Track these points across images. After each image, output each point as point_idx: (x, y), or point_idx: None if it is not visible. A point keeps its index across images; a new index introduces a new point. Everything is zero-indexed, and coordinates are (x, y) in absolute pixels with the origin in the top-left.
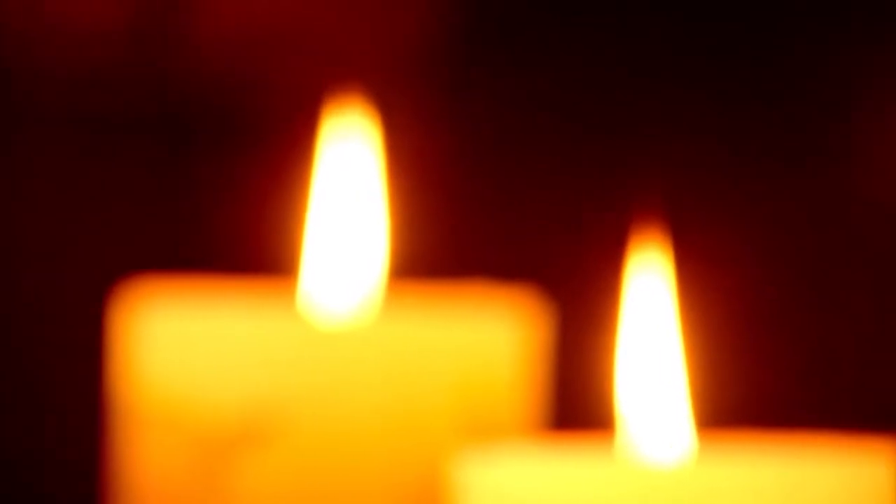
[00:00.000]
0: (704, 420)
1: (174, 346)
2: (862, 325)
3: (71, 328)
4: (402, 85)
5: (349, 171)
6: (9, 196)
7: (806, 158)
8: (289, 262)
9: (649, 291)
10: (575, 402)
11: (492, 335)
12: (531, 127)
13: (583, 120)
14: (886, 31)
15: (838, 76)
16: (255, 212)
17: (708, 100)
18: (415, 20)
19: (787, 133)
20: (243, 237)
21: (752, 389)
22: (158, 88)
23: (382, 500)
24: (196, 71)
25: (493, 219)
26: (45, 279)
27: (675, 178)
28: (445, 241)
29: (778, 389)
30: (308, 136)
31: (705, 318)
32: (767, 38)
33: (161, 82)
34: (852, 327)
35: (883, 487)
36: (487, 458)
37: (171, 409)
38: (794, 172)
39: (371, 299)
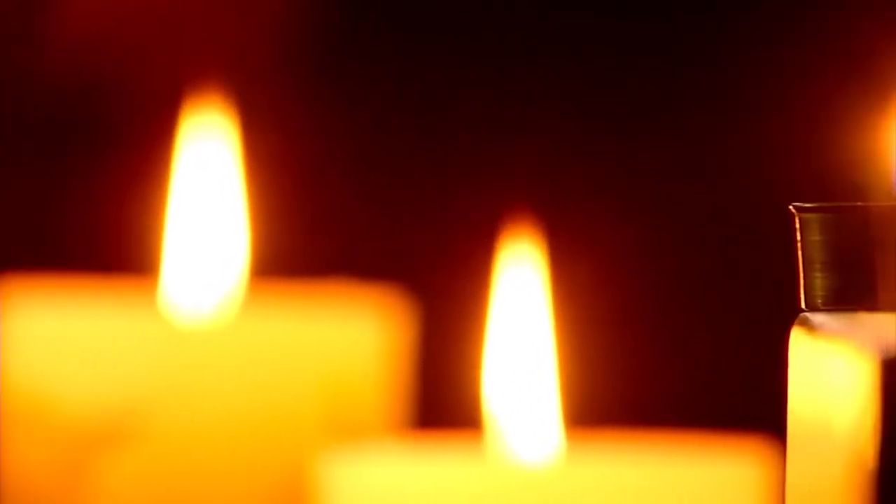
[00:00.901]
0: (574, 419)
1: (37, 344)
2: (733, 324)
3: None
4: (262, 83)
5: (208, 170)
6: None
7: (677, 154)
8: (150, 262)
9: (519, 289)
10: (442, 400)
11: (356, 334)
12: (395, 125)
13: (449, 117)
14: (762, 31)
15: (709, 72)
16: (115, 211)
17: (576, 95)
18: (275, 19)
19: (657, 128)
20: (104, 237)
21: (622, 388)
22: (17, 88)
23: (247, 499)
24: (53, 70)
25: (357, 217)
26: None
27: (545, 175)
28: (308, 240)
29: (648, 389)
30: (168, 135)
31: (575, 316)
32: (636, 33)
33: (19, 82)
34: (723, 326)
35: (750, 486)
36: (353, 457)
37: (34, 407)
38: (664, 168)
39: (232, 298)
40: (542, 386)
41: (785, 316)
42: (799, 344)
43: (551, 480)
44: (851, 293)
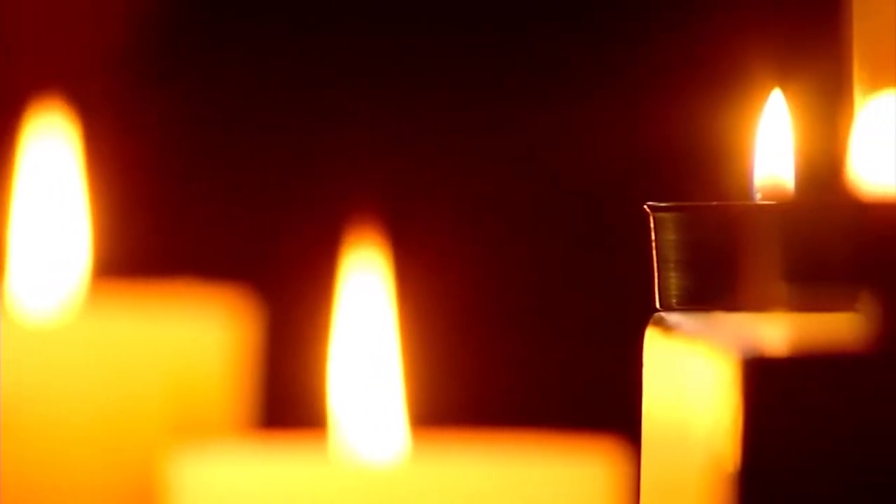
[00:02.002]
0: (419, 419)
1: None
2: (587, 324)
3: None
4: (103, 83)
5: (50, 172)
6: None
7: (528, 155)
8: None
9: (364, 291)
10: (288, 400)
11: (202, 334)
12: (241, 126)
13: (295, 119)
14: (616, 29)
15: (563, 70)
16: None
17: (423, 100)
18: (117, 21)
19: (507, 131)
20: None
21: (471, 389)
22: None
23: (93, 499)
24: None
25: (203, 218)
26: None
27: (391, 179)
28: (153, 240)
29: (495, 389)
30: (9, 137)
31: (421, 317)
32: (473, 38)
33: None
34: (577, 327)
35: (600, 487)
36: (199, 456)
37: None
38: (514, 169)
39: (75, 298)
40: (387, 386)
41: (639, 316)
42: (654, 344)
43: (396, 480)
44: (706, 293)
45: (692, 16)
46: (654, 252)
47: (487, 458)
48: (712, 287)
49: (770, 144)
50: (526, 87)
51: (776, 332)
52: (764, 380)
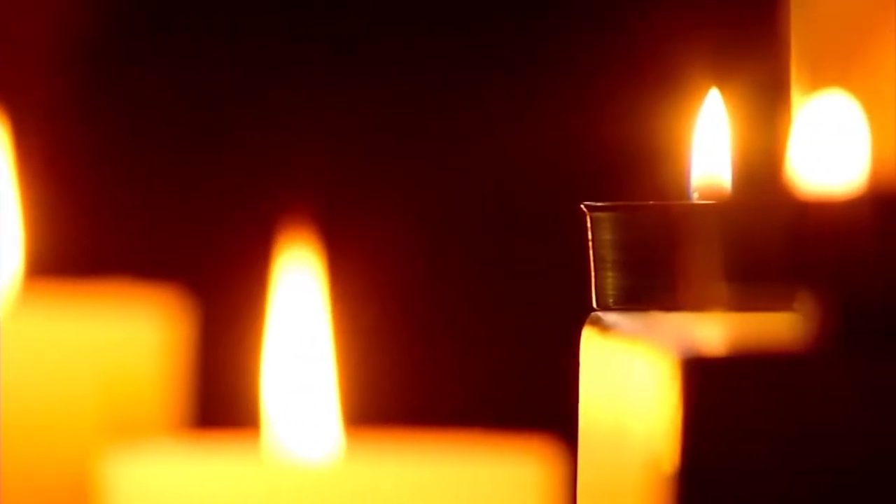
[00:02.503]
0: (353, 418)
1: None
2: (524, 324)
3: None
4: (35, 84)
5: None
6: None
7: (464, 152)
8: None
9: (298, 290)
10: (222, 400)
11: (135, 333)
12: (173, 127)
13: (228, 119)
14: (553, 28)
15: (499, 69)
16: None
17: (356, 100)
18: (48, 25)
19: (442, 129)
20: None
21: (402, 388)
22: None
23: (27, 498)
24: None
25: (136, 217)
26: None
27: (324, 178)
28: (86, 239)
29: (430, 389)
30: None
31: (355, 316)
32: (409, 37)
33: None
34: (506, 327)
35: (534, 486)
36: (133, 455)
37: None
38: (450, 167)
39: (8, 298)
40: (321, 386)
41: (576, 316)
42: (590, 344)
43: (329, 479)
44: (644, 292)
45: (630, 15)
46: (591, 252)
47: (422, 458)
48: (650, 287)
49: (707, 144)
50: (462, 87)
51: (714, 332)
52: (702, 380)
